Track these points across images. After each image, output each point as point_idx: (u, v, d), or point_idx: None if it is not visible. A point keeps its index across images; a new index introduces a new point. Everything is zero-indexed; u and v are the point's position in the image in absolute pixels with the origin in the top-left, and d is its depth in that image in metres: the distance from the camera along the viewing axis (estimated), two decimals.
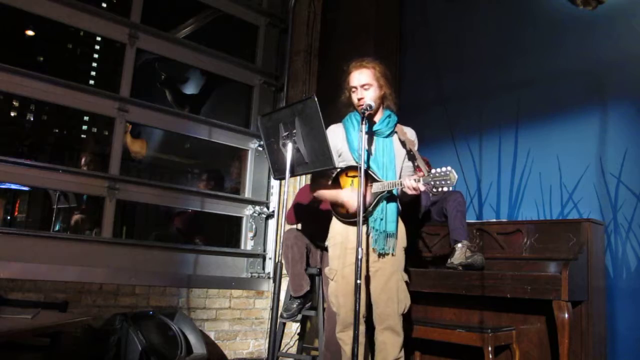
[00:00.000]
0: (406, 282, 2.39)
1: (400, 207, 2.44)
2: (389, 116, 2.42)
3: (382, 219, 2.32)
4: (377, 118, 2.42)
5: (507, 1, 3.85)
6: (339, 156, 2.42)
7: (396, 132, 2.43)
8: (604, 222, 3.05)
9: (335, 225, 2.45)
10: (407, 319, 2.40)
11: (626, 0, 3.22)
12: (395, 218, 2.35)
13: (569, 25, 3.43)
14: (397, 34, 4.57)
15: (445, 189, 2.09)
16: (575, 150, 3.29)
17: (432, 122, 4.03)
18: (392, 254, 2.33)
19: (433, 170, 2.13)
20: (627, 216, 3.02)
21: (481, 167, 3.78)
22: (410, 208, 3.01)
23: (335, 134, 2.44)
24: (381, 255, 2.33)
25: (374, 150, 2.38)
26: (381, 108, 2.43)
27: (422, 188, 2.16)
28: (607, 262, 3.02)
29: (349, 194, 2.33)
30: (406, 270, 2.43)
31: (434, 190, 2.13)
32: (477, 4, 4.03)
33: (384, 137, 2.40)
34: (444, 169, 2.09)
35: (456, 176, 2.08)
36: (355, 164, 2.35)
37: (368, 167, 2.33)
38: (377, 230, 2.31)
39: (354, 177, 2.36)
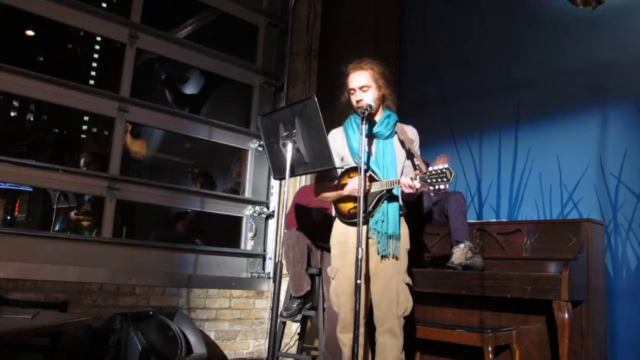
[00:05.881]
0: (408, 284, 2.36)
1: (404, 208, 2.43)
2: (388, 116, 2.40)
3: (383, 221, 2.31)
4: (377, 118, 2.41)
5: (507, 1, 3.85)
6: (342, 160, 2.42)
7: (397, 132, 2.42)
8: (604, 222, 3.05)
9: (337, 225, 2.46)
10: (408, 320, 2.39)
11: (626, 0, 3.22)
12: (397, 219, 2.33)
13: (569, 25, 3.43)
14: (397, 34, 4.57)
15: (442, 186, 2.05)
16: (575, 150, 3.28)
17: (432, 122, 4.03)
18: (395, 257, 2.32)
19: (430, 168, 2.10)
20: (627, 216, 3.02)
21: (481, 167, 3.78)
22: (414, 209, 3.00)
23: (336, 139, 2.44)
24: (383, 257, 2.31)
25: (375, 152, 2.37)
26: (381, 108, 2.43)
27: (418, 185, 2.14)
28: (607, 262, 3.02)
29: (351, 184, 2.32)
30: (409, 273, 2.41)
31: (432, 188, 2.10)
32: (477, 4, 4.03)
33: (384, 139, 2.39)
34: (441, 166, 2.06)
35: (453, 173, 2.03)
36: (356, 165, 2.34)
37: (369, 168, 2.32)
38: (378, 232, 2.30)
39: (354, 177, 2.36)
